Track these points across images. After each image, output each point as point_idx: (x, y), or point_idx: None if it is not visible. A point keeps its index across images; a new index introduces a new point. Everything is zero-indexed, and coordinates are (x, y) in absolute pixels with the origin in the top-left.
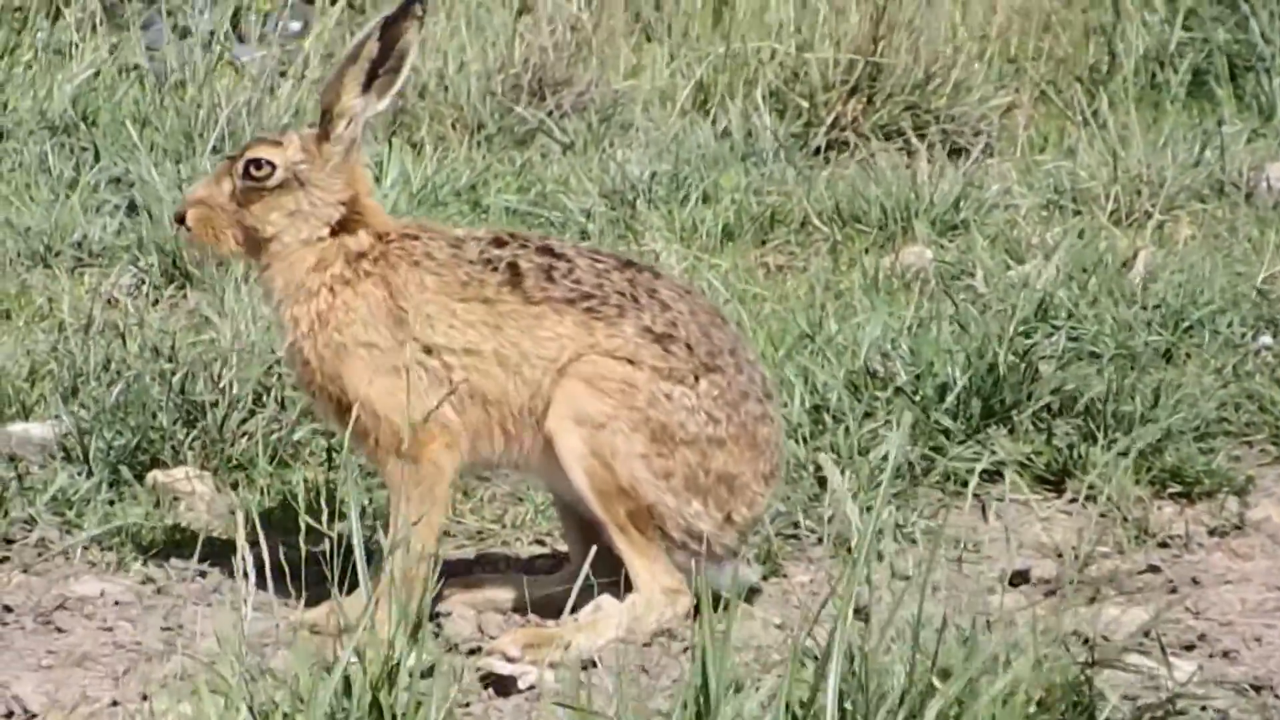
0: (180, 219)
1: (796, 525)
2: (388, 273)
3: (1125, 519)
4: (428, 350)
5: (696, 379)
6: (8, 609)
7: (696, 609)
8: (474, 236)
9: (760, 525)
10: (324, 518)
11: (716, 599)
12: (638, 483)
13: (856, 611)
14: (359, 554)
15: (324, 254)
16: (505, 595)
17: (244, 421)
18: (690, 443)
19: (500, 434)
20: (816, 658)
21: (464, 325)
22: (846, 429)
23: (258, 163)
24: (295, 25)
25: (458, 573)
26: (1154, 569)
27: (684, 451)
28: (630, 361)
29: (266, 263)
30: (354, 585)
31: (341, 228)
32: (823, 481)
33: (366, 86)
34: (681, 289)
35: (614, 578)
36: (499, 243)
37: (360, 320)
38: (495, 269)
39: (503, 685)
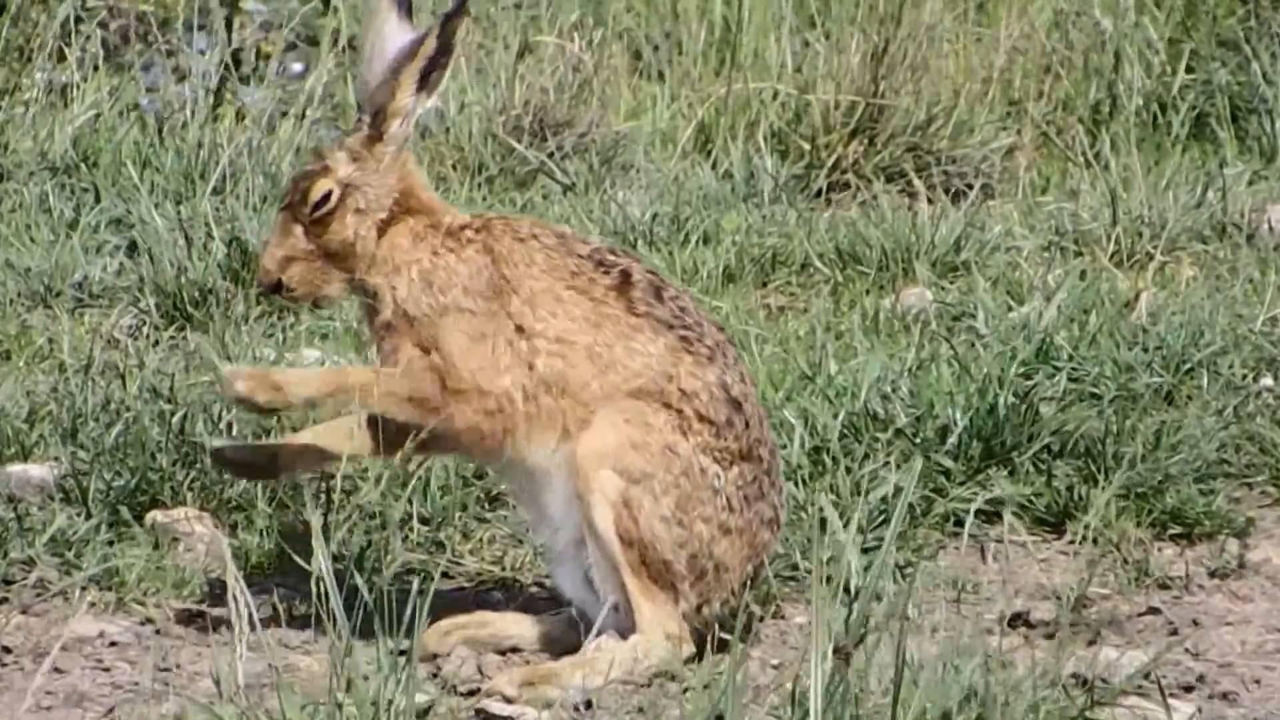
0: (275, 286)
1: (795, 567)
2: (491, 242)
3: (1125, 560)
4: (519, 329)
5: (732, 463)
6: (6, 650)
7: (697, 655)
8: (581, 239)
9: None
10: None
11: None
12: (657, 540)
13: (836, 650)
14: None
15: (415, 230)
16: (505, 635)
17: None
18: (707, 521)
19: (553, 433)
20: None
21: (565, 315)
22: (847, 470)
23: (321, 200)
24: (298, 67)
25: (457, 612)
26: (1154, 610)
27: (700, 527)
28: (683, 418)
29: (361, 276)
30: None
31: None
32: (823, 523)
33: (421, 84)
34: (752, 378)
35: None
36: (612, 251)
37: (461, 285)
38: (608, 272)
39: None
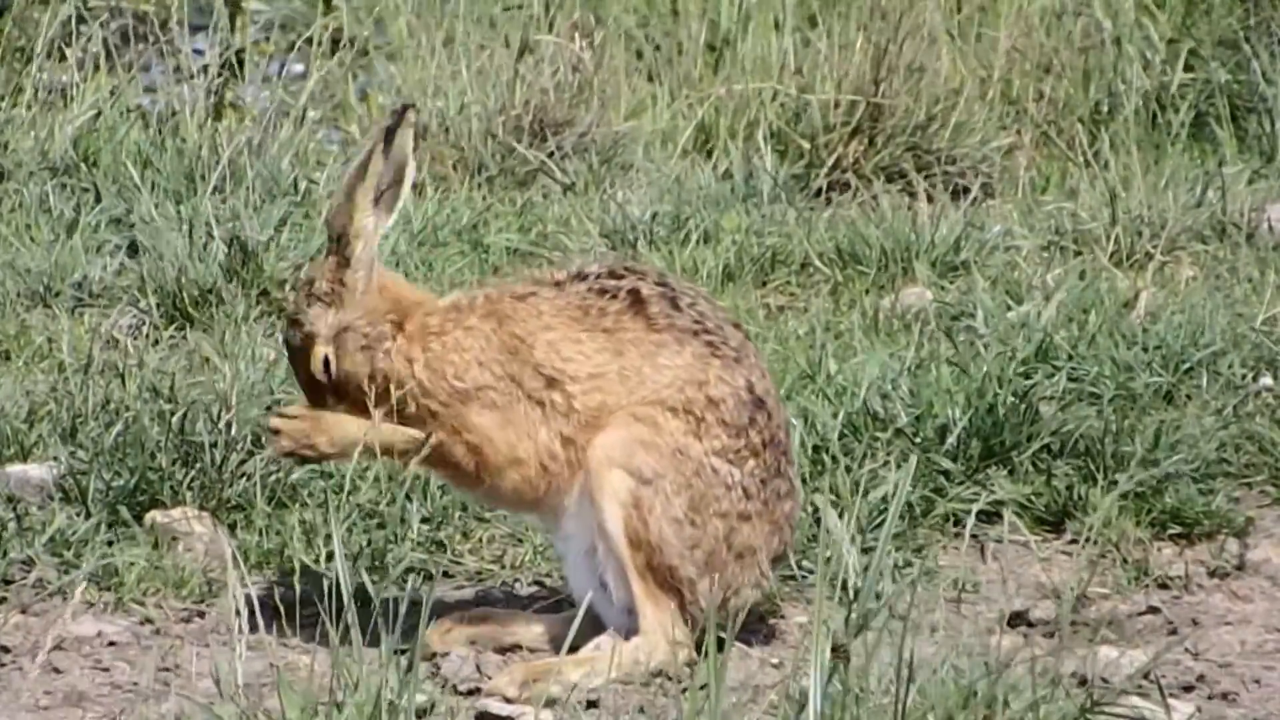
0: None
1: (795, 566)
2: (492, 306)
3: (1124, 560)
4: (550, 382)
5: (749, 457)
6: (5, 649)
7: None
8: (577, 275)
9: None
10: (321, 559)
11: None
12: (665, 543)
13: (836, 650)
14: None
15: (418, 326)
16: (506, 632)
17: (243, 462)
18: (723, 516)
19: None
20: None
21: (588, 354)
22: (847, 469)
23: (325, 368)
24: (298, 67)
25: (457, 612)
26: (1153, 610)
27: (715, 523)
28: (701, 424)
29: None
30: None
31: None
32: (821, 522)
33: (375, 202)
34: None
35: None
36: (613, 275)
37: (475, 360)
38: (614, 296)
39: None
